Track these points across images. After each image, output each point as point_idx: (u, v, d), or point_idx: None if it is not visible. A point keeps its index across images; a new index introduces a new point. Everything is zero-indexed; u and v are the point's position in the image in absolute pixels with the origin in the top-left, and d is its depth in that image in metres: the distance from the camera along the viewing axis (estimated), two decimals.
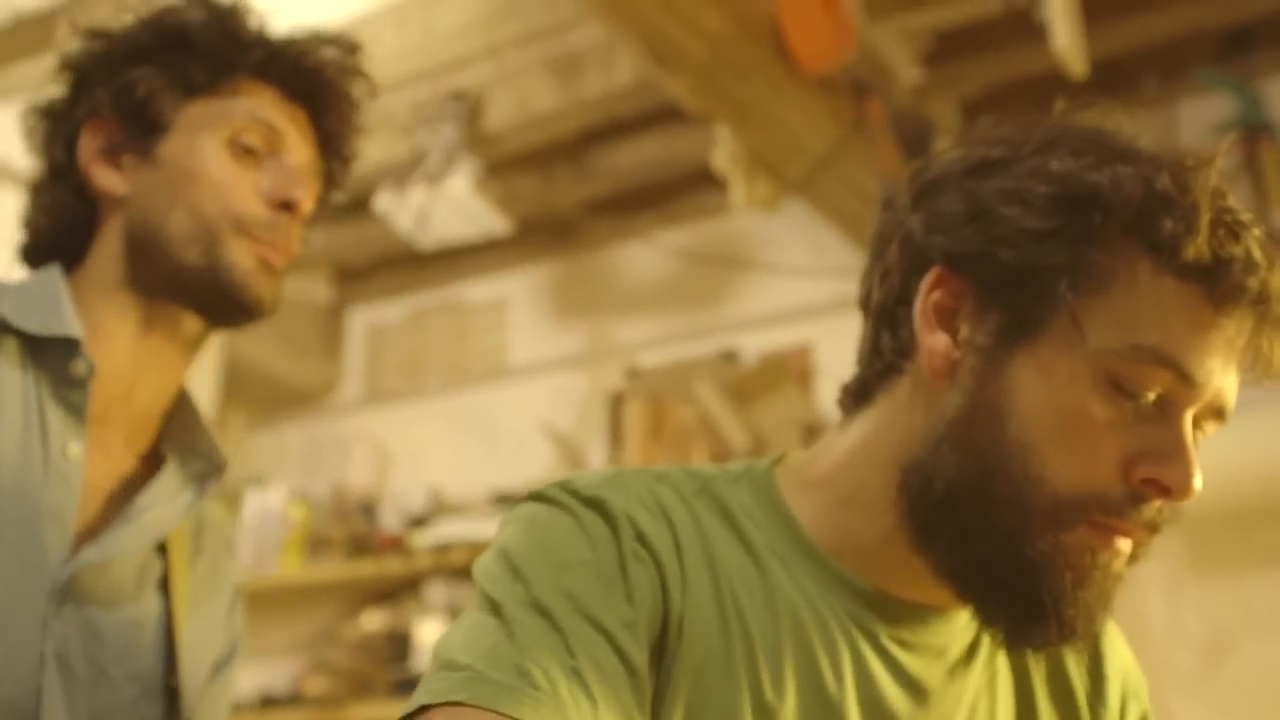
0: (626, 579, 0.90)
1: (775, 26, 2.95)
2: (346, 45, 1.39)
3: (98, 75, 1.31)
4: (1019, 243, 0.91)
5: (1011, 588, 0.91)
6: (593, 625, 0.88)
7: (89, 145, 1.30)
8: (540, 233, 4.20)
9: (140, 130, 1.29)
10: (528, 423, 4.08)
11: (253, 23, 1.34)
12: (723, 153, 3.15)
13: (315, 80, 1.35)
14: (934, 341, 0.94)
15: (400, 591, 3.98)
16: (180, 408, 1.34)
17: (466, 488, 4.08)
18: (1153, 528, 0.92)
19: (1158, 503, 0.91)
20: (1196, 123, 3.21)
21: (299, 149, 1.33)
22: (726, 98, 2.99)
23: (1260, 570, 3.05)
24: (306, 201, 1.31)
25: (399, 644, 3.86)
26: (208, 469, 1.32)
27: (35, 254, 1.34)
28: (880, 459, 0.97)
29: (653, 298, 4.13)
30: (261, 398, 4.60)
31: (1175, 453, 0.90)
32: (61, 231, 1.32)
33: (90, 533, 1.23)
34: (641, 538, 0.92)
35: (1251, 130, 3.14)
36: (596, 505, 0.94)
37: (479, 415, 4.28)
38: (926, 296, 0.94)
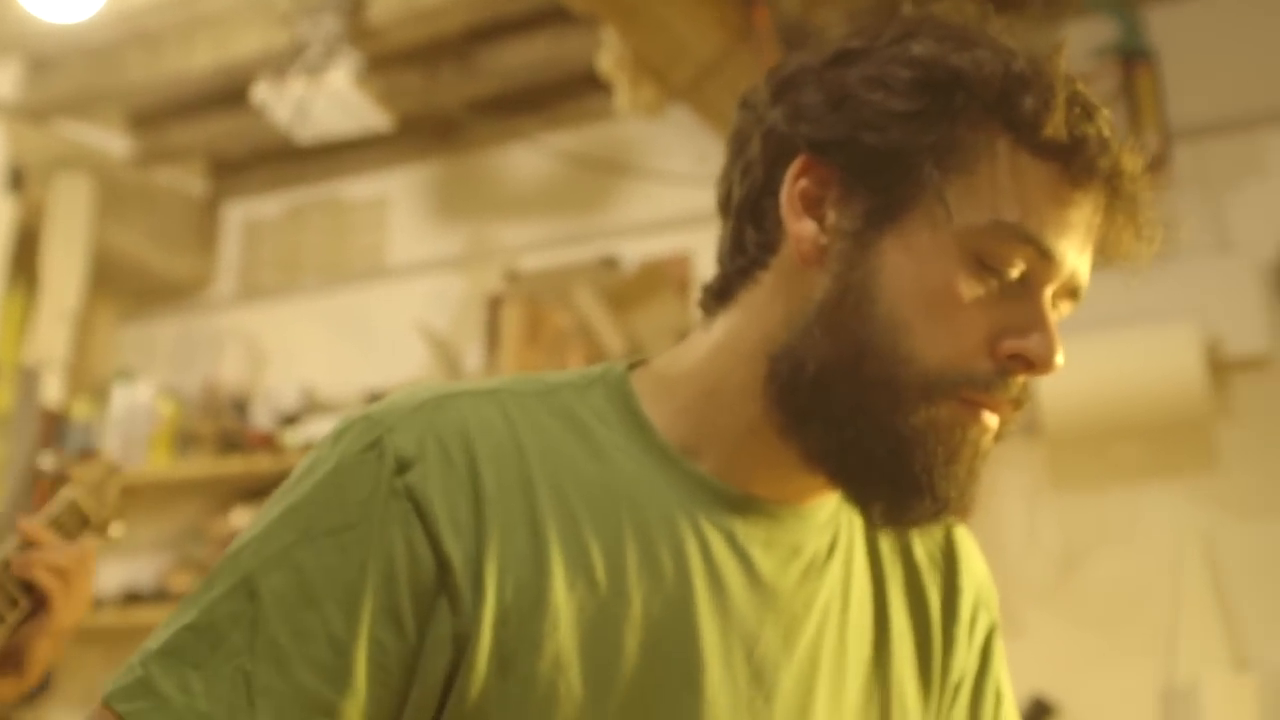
0: (370, 544, 0.90)
1: None
2: None
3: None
4: (883, 125, 0.92)
5: (885, 465, 0.93)
6: (295, 623, 0.88)
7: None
8: (423, 131, 4.14)
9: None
10: (404, 323, 4.05)
11: None
12: (608, 55, 3.13)
13: None
14: (802, 228, 0.95)
15: (270, 489, 3.91)
16: None
17: (340, 387, 4.05)
18: (1017, 403, 0.94)
19: (1022, 378, 0.93)
20: (1079, 45, 3.25)
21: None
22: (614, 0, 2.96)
23: (1115, 484, 3.15)
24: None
25: None
26: None
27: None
28: (745, 351, 0.97)
29: (535, 201, 4.10)
30: (132, 291, 4.50)
31: (1038, 327, 0.92)
32: None
33: None
34: (410, 490, 0.90)
35: (1129, 55, 3.19)
36: (376, 450, 0.92)
37: (355, 314, 4.24)
38: (793, 185, 0.95)
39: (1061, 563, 3.16)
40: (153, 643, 0.90)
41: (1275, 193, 3.14)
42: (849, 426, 0.93)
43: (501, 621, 0.90)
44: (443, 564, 0.89)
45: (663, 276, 3.67)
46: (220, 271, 4.54)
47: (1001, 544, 3.15)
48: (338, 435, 0.95)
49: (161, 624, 0.91)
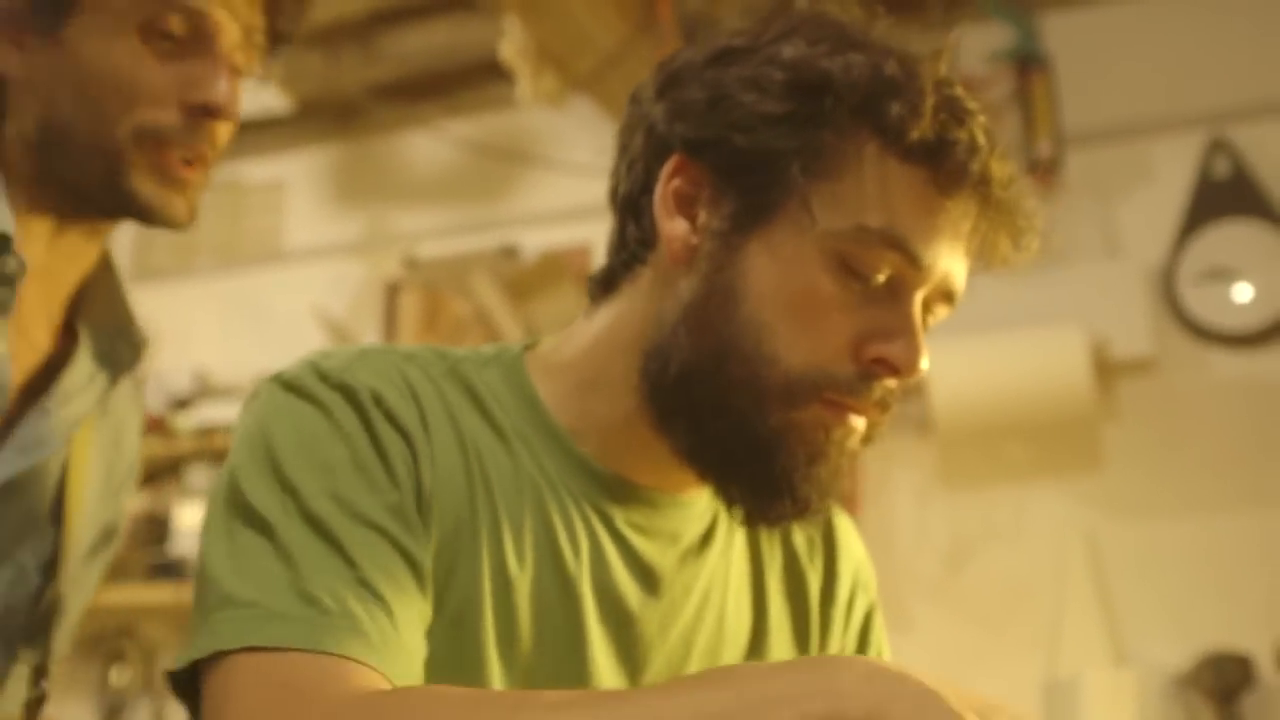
0: (385, 460, 0.91)
1: None
2: None
3: None
4: (753, 127, 0.93)
5: (747, 465, 0.94)
6: (367, 525, 0.87)
7: None
8: (322, 115, 4.09)
9: (45, 4, 1.11)
10: (301, 308, 4.00)
11: None
12: (510, 44, 3.11)
13: None
14: (673, 227, 0.96)
15: (161, 474, 3.88)
16: (99, 276, 1.22)
17: (235, 371, 3.99)
18: (884, 406, 0.95)
19: (889, 382, 0.94)
20: (975, 50, 3.30)
21: (229, 25, 1.15)
22: None
23: (1003, 483, 3.20)
24: (230, 102, 1.14)
25: (158, 527, 3.77)
26: (125, 352, 1.22)
27: None
28: (622, 344, 0.98)
29: (434, 188, 4.08)
30: None
31: (903, 332, 0.93)
32: None
33: (9, 425, 1.13)
34: (390, 416, 0.92)
35: (1024, 61, 3.24)
36: (344, 390, 0.93)
37: (251, 298, 4.18)
38: (667, 184, 0.96)
39: (950, 559, 3.21)
40: (223, 590, 0.85)
41: (1162, 199, 3.21)
42: (712, 426, 0.94)
43: (439, 552, 0.91)
44: (420, 489, 0.91)
45: (562, 266, 3.67)
46: (112, 251, 4.44)
47: (892, 540, 3.19)
48: (286, 383, 0.95)
49: (212, 602, 0.86)
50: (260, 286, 4.18)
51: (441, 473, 0.93)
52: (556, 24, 3.07)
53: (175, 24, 1.11)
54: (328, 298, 4.03)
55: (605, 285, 1.03)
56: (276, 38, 1.21)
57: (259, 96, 3.89)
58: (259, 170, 4.29)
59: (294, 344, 3.97)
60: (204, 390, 3.96)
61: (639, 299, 0.99)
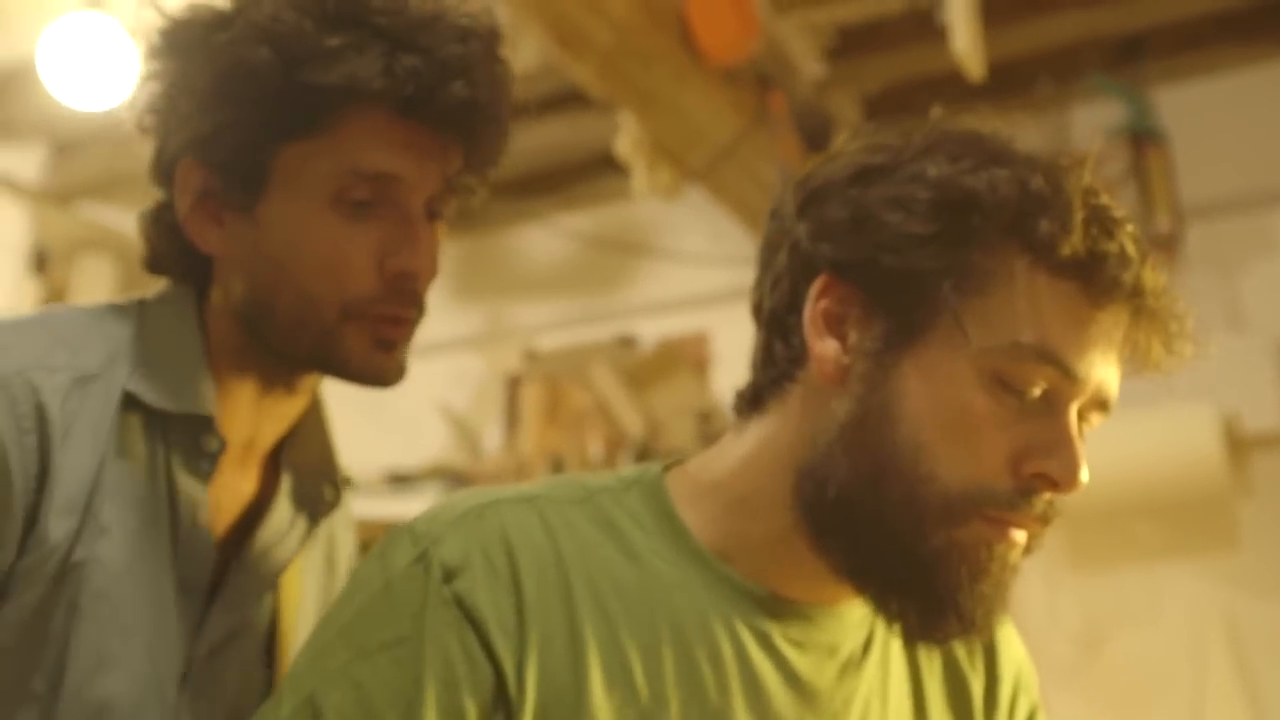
0: (424, 656, 0.91)
1: (682, 16, 2.97)
2: (484, 36, 1.12)
3: (178, 103, 1.11)
4: (901, 248, 0.92)
5: (910, 584, 0.93)
6: None
7: (185, 187, 1.13)
8: None
9: (235, 182, 1.10)
10: (423, 402, 4.07)
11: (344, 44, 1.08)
12: (626, 139, 3.16)
13: (449, 107, 1.11)
14: (824, 348, 0.95)
15: None
16: (307, 416, 1.21)
17: (362, 466, 4.03)
18: (1044, 519, 0.94)
19: (1047, 495, 0.93)
20: (1088, 127, 3.29)
21: (422, 184, 1.12)
22: (632, 85, 3.00)
23: (1135, 563, 3.13)
24: (429, 263, 1.13)
25: None
26: (326, 492, 1.20)
27: (156, 266, 1.19)
28: (775, 464, 0.98)
29: (552, 281, 4.13)
30: None
31: (1061, 446, 0.92)
32: (180, 255, 1.16)
33: (218, 581, 1.13)
34: (459, 599, 0.92)
35: (1139, 136, 3.22)
36: (422, 561, 0.94)
37: (375, 394, 4.21)
38: (815, 304, 0.96)
39: (1082, 643, 3.14)
40: None
41: None
42: (872, 545, 0.93)
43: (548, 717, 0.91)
44: (497, 668, 0.91)
45: (680, 355, 3.69)
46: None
47: (1022, 625, 3.12)
48: (382, 551, 0.96)
49: None
50: None
51: (537, 633, 0.92)
52: (671, 119, 3.12)
53: (365, 192, 1.10)
54: (450, 392, 4.09)
55: (753, 402, 1.02)
56: (481, 169, 1.19)
57: None
58: None
59: (418, 439, 4.03)
60: None
61: (790, 417, 0.98)
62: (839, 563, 0.96)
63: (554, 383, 3.79)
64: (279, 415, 1.17)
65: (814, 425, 0.96)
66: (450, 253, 4.62)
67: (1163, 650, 3.06)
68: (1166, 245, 3.10)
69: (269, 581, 1.17)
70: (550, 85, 3.44)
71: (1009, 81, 3.10)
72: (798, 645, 0.98)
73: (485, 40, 1.12)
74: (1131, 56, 3.38)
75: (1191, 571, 3.08)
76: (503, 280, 4.21)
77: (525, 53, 3.39)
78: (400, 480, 3.86)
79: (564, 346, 3.98)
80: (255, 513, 1.17)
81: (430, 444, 3.98)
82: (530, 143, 3.85)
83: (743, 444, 1.01)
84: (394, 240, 1.11)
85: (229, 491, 1.15)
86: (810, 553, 0.96)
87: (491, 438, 3.98)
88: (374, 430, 4.20)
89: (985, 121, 0.98)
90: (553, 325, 4.05)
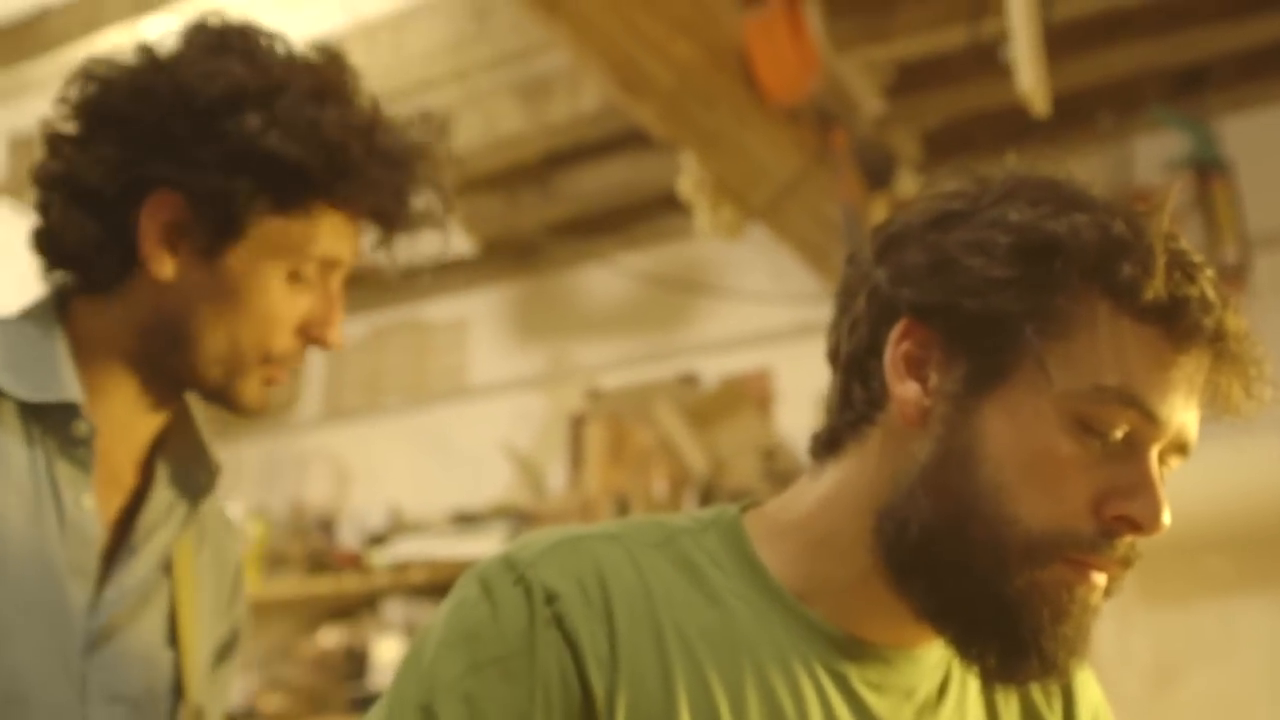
0: (533, 672, 0.93)
1: (743, 57, 2.99)
2: (434, 128, 1.32)
3: (195, 148, 1.22)
4: (983, 291, 0.93)
5: (992, 626, 0.93)
6: None
7: (154, 215, 1.23)
8: (503, 253, 4.22)
9: (213, 228, 1.22)
10: (488, 442, 4.09)
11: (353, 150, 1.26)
12: (688, 179, 3.19)
13: (399, 210, 1.32)
14: (905, 390, 0.96)
15: (358, 609, 3.98)
16: (178, 416, 1.32)
17: (426, 506, 4.08)
18: (1125, 562, 0.94)
19: (1129, 538, 0.93)
20: (1150, 159, 3.27)
21: (348, 262, 1.30)
22: (693, 125, 3.02)
23: (1207, 599, 3.10)
24: (339, 338, 1.30)
25: (356, 661, 3.86)
26: (201, 477, 1.32)
27: (52, 256, 1.28)
28: (854, 506, 0.98)
29: (614, 320, 4.16)
30: (218, 413, 4.57)
31: (1144, 489, 0.92)
32: (86, 256, 1.26)
33: (108, 568, 1.24)
34: (560, 619, 0.94)
35: (1203, 168, 3.20)
36: (523, 586, 0.95)
37: (439, 434, 4.29)
38: (896, 347, 0.96)
39: (1155, 679, 3.10)
40: None
41: None
42: (954, 587, 0.94)
43: None
44: (588, 695, 0.92)
45: (743, 393, 3.70)
46: (305, 393, 4.62)
47: (1093, 661, 3.10)
48: (480, 574, 0.97)
49: None
50: (447, 422, 4.29)
51: (628, 669, 0.94)
52: (733, 158, 3.14)
53: (313, 271, 1.27)
54: (513, 431, 4.11)
55: (830, 445, 1.02)
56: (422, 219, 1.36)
57: (443, 239, 4.03)
58: (443, 309, 4.43)
59: (482, 479, 4.06)
60: (397, 526, 4.05)
61: (870, 459, 0.99)
62: (919, 604, 0.96)
63: (617, 422, 3.80)
64: (156, 411, 1.29)
65: (894, 467, 0.96)
66: (513, 293, 4.69)
67: (1238, 687, 3.02)
68: (1234, 276, 3.08)
69: (155, 562, 1.27)
70: (611, 126, 3.48)
71: (1070, 115, 3.09)
72: (875, 688, 0.99)
73: (437, 147, 1.32)
74: (1193, 88, 3.37)
75: (1265, 604, 3.04)
76: (566, 320, 4.24)
77: (587, 94, 3.43)
78: (465, 520, 3.88)
79: (627, 385, 3.99)
80: (139, 502, 1.28)
81: (495, 484, 4.01)
82: (593, 184, 3.92)
83: (821, 486, 1.02)
84: (320, 313, 1.28)
85: (117, 485, 1.26)
86: (889, 595, 0.97)
87: (555, 477, 4.00)
88: (439, 471, 4.23)
89: (1060, 167, 0.98)
90: (615, 364, 4.07)
